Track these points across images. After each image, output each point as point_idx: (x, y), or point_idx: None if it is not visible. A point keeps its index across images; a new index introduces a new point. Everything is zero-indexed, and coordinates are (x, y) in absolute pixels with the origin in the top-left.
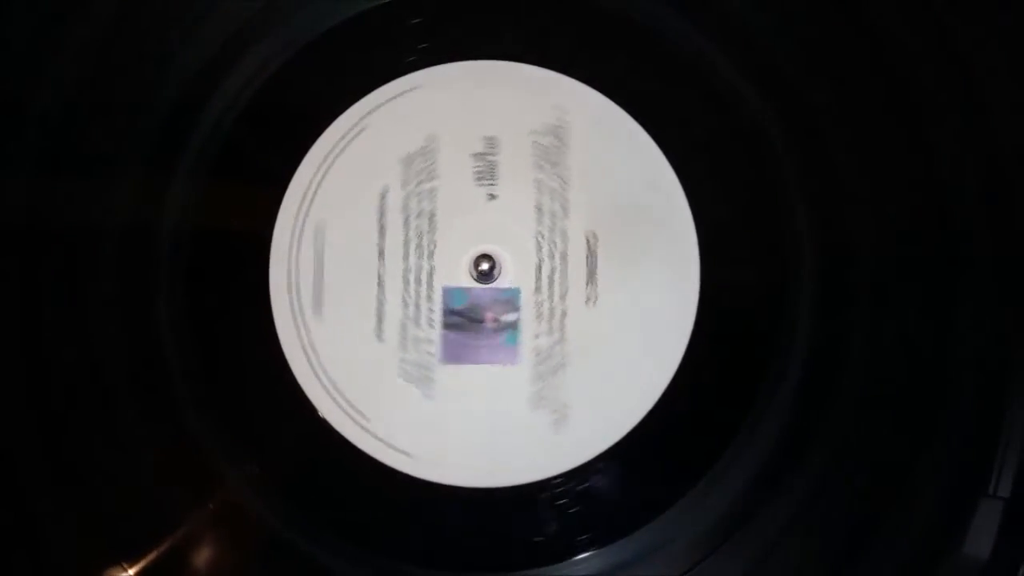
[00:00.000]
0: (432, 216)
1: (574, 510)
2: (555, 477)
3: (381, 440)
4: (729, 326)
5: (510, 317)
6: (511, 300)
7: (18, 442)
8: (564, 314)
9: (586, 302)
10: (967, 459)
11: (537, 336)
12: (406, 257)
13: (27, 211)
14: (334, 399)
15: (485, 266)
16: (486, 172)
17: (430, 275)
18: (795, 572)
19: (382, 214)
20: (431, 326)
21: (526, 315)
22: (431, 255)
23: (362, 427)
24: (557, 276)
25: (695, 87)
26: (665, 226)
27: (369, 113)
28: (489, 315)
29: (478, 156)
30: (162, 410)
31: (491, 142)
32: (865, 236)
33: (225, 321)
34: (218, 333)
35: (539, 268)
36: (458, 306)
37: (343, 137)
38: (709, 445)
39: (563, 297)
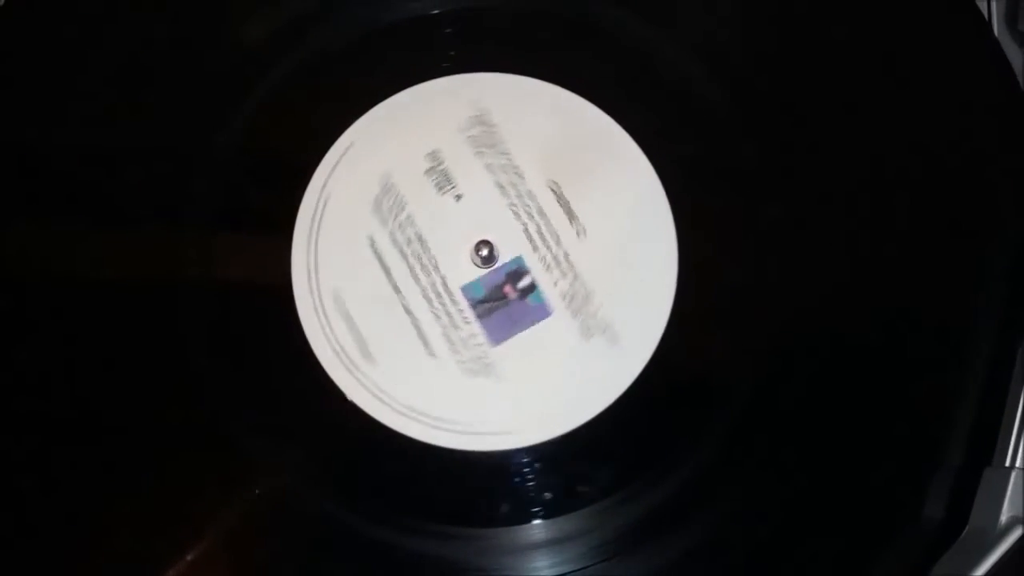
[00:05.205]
0: (420, 237)
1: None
2: (637, 379)
3: (485, 434)
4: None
5: (526, 281)
6: (519, 268)
7: (70, 460)
8: (567, 255)
9: (578, 236)
10: (922, 436)
11: (556, 283)
12: (417, 280)
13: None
14: (424, 424)
15: (484, 252)
16: (443, 180)
17: (444, 284)
18: (769, 539)
19: (380, 258)
20: (467, 323)
21: (537, 272)
22: (436, 268)
23: (464, 433)
24: (544, 229)
25: (573, 34)
26: (603, 141)
27: (324, 186)
28: (508, 288)
29: (430, 171)
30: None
31: (434, 155)
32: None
33: (287, 392)
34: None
35: (527, 231)
36: (480, 296)
37: (314, 214)
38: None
39: (558, 243)
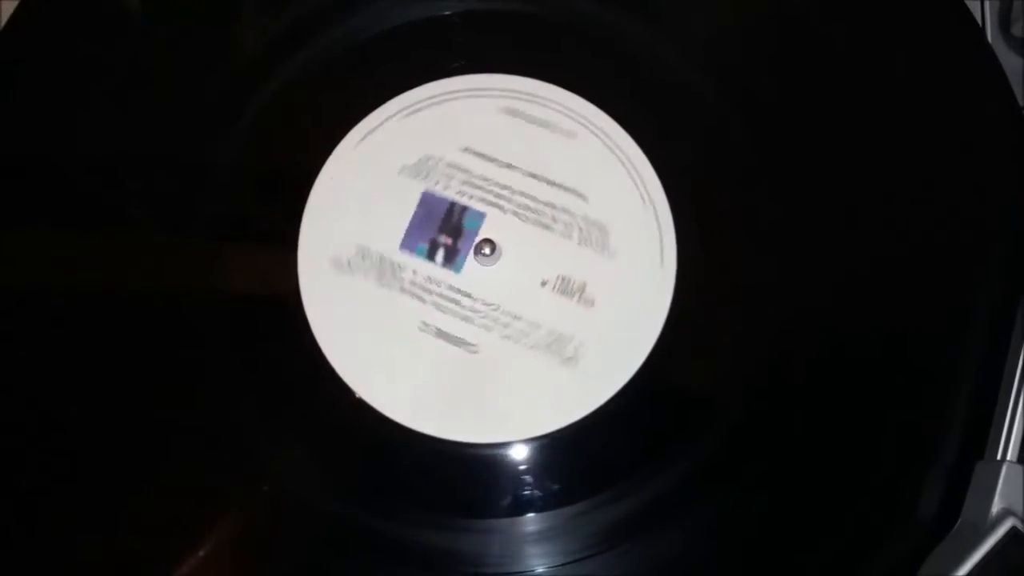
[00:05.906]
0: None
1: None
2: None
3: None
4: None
5: (447, 272)
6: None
7: (83, 463)
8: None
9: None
10: (917, 434)
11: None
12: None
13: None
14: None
15: (485, 250)
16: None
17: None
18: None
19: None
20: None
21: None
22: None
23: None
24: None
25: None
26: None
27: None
28: (447, 240)
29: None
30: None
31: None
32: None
33: None
34: None
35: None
36: (459, 219)
37: None
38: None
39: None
